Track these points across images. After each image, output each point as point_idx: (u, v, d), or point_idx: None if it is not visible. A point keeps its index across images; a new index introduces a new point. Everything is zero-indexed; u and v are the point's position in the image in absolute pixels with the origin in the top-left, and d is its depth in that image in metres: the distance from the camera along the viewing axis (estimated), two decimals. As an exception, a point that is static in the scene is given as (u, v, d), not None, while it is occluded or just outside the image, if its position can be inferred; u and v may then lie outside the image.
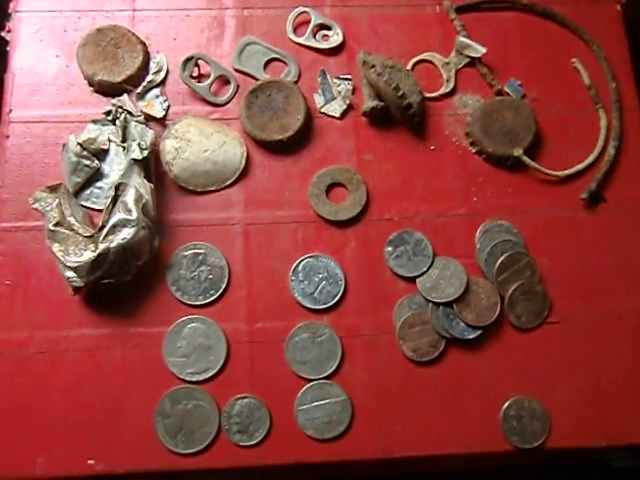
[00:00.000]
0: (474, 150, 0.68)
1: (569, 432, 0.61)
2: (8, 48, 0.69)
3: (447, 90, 0.70)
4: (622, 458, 0.69)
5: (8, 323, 0.61)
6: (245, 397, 0.60)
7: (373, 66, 0.65)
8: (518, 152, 0.66)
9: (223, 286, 0.62)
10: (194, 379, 0.60)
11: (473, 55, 0.70)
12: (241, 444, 0.59)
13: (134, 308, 0.62)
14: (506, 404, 0.61)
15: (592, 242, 0.66)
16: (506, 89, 0.70)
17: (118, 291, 0.61)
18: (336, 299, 0.63)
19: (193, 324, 0.61)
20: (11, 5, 0.71)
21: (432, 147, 0.68)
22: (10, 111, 0.67)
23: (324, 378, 0.61)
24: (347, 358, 0.61)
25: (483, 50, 0.69)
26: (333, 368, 0.61)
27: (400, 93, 0.64)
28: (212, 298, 0.62)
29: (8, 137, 0.66)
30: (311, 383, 0.60)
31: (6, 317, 0.61)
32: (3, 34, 0.70)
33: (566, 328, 0.63)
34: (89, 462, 0.58)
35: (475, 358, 0.62)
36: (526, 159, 0.66)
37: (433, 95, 0.70)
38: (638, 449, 0.64)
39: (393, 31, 0.72)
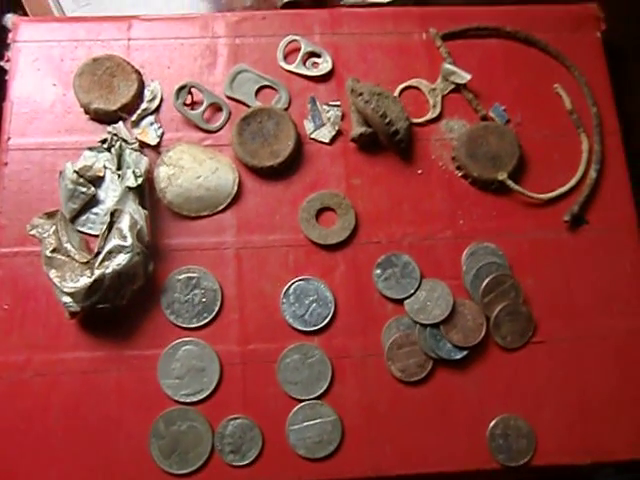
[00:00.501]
0: (460, 174, 0.70)
1: (554, 450, 0.62)
2: (7, 77, 0.71)
3: (433, 116, 0.72)
4: (609, 475, 0.70)
5: (6, 346, 0.62)
6: (238, 418, 0.61)
7: (361, 94, 0.67)
8: (503, 176, 0.68)
9: (216, 309, 0.64)
10: (188, 400, 0.61)
11: (459, 81, 0.72)
12: (234, 464, 0.60)
13: (129, 331, 0.63)
14: (492, 422, 0.62)
15: (575, 263, 0.67)
16: (491, 114, 0.72)
17: (113, 315, 0.62)
18: (326, 321, 0.64)
19: (187, 346, 0.63)
20: (10, 35, 0.72)
21: (419, 171, 0.70)
22: (8, 139, 0.68)
23: (315, 398, 0.62)
24: (337, 378, 0.63)
25: (468, 76, 0.71)
26: (324, 388, 0.62)
27: (387, 120, 0.66)
28: (205, 321, 0.64)
29: (6, 164, 0.67)
30: (302, 403, 0.62)
31: (4, 341, 0.62)
32: (2, 63, 0.72)
33: (551, 348, 0.65)
34: (85, 483, 0.59)
35: (462, 378, 0.63)
36: (510, 183, 0.68)
37: (420, 121, 0.71)
38: (623, 466, 0.65)
39: (381, 58, 0.73)
